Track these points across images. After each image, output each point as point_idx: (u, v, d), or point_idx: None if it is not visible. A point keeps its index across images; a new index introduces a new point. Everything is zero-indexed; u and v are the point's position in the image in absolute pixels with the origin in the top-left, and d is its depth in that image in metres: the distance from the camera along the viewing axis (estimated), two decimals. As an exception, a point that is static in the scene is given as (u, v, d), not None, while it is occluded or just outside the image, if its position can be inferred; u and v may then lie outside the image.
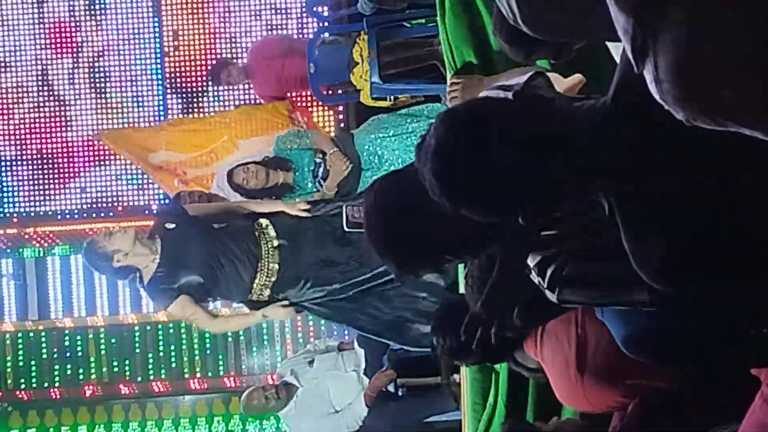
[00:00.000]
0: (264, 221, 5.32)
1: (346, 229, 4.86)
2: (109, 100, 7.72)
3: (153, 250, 5.21)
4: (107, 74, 7.72)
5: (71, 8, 7.70)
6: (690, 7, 1.45)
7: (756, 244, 1.73)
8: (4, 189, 7.74)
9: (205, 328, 6.06)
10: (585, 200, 1.88)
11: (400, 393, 6.36)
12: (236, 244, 5.27)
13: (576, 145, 1.79)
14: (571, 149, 1.79)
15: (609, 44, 2.26)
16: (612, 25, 1.54)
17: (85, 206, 7.75)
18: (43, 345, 7.73)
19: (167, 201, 6.97)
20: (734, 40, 1.41)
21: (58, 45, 7.72)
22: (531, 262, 2.41)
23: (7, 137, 7.74)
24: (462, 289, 3.39)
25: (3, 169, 7.74)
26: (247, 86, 7.60)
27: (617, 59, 2.23)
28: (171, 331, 7.66)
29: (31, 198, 7.74)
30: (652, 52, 1.47)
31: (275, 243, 5.30)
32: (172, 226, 5.31)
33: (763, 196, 1.67)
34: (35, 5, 7.71)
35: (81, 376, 7.73)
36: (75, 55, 7.72)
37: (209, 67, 7.43)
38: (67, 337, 7.71)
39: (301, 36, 7.62)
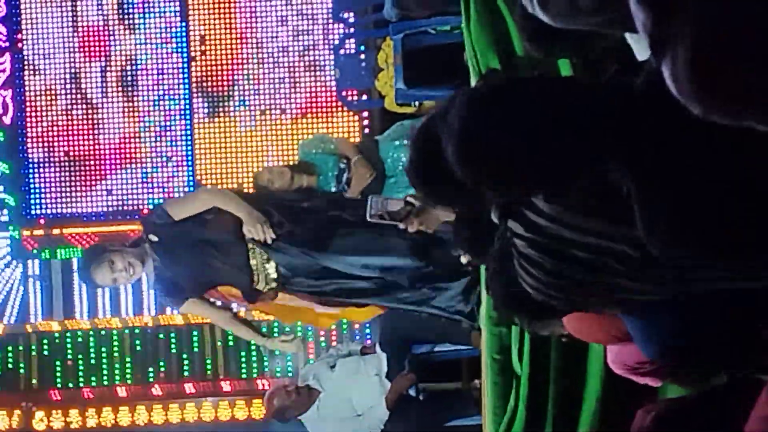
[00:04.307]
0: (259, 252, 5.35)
1: (368, 219, 4.82)
2: (136, 104, 7.78)
3: (150, 264, 5.30)
4: (135, 78, 7.77)
5: (102, 14, 7.76)
6: (708, 3, 1.46)
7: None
8: (32, 191, 7.80)
9: (217, 323, 6.08)
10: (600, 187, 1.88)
11: (420, 397, 6.37)
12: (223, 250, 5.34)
13: (601, 121, 1.79)
14: (595, 124, 1.79)
15: (628, 37, 2.26)
16: (628, 13, 1.55)
17: (111, 209, 7.79)
18: (68, 345, 7.78)
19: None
20: (751, 37, 1.43)
21: (89, 49, 7.78)
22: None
23: (36, 140, 7.80)
24: None
25: (31, 171, 7.80)
26: (273, 93, 7.65)
27: (635, 51, 2.24)
28: (194, 333, 7.69)
29: (58, 200, 7.80)
30: (671, 47, 1.48)
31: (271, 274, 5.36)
32: (156, 239, 5.33)
33: None
34: (68, 10, 7.77)
35: (105, 378, 7.77)
36: (105, 59, 7.78)
37: None
38: (92, 338, 7.76)
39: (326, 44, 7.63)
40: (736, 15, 1.42)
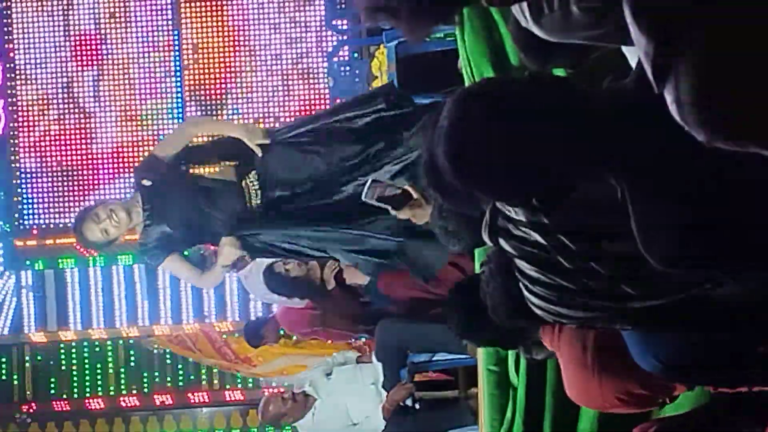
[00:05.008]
0: (252, 176, 5.30)
1: (364, 199, 4.77)
2: (129, 113, 7.77)
3: (138, 214, 5.27)
4: (128, 87, 7.76)
5: (95, 22, 7.75)
6: (711, 31, 1.45)
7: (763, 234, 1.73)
8: (25, 201, 7.79)
9: (193, 284, 6.01)
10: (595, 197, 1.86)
11: (417, 406, 6.36)
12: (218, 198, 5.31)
13: (594, 125, 1.77)
14: (589, 129, 1.77)
15: (624, 49, 2.25)
16: (624, 28, 1.54)
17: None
18: (62, 356, 7.77)
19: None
20: (755, 64, 1.42)
21: (82, 58, 7.77)
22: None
23: (28, 149, 7.78)
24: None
25: (23, 181, 7.78)
26: (266, 101, 7.65)
27: (631, 62, 2.23)
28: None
29: (51, 210, 7.79)
30: (673, 74, 1.47)
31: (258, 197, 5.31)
32: (149, 183, 5.35)
33: None
34: (60, 19, 7.76)
35: (99, 388, 7.77)
36: (98, 68, 7.77)
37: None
38: (86, 349, 7.75)
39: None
40: (739, 42, 1.41)
